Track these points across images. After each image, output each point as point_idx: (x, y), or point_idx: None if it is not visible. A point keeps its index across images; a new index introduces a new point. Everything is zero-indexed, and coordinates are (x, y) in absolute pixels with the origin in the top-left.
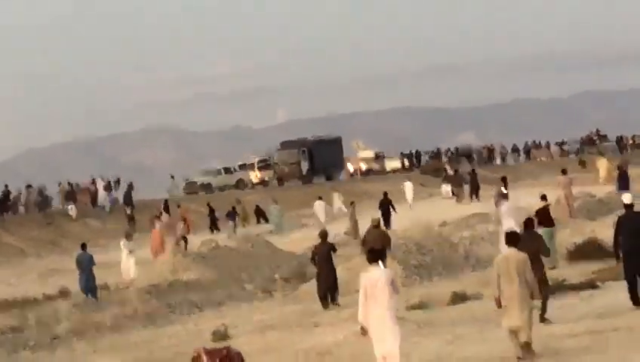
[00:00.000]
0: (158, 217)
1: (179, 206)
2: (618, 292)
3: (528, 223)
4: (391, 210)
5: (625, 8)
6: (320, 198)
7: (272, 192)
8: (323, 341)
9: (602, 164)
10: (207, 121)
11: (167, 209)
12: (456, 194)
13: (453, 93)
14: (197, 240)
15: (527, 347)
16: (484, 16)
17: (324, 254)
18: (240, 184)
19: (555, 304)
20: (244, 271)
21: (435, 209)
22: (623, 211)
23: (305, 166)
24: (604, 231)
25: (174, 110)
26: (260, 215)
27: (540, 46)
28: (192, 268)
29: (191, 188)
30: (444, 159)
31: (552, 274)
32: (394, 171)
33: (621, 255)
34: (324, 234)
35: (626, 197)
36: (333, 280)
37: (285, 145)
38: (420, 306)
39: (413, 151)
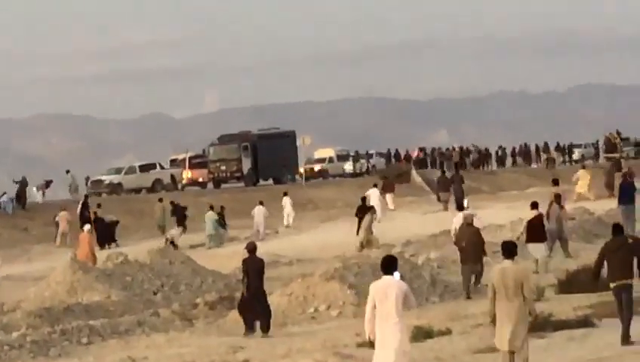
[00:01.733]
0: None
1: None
2: (617, 331)
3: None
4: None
5: None
6: (261, 203)
7: (205, 196)
8: None
9: (584, 177)
10: (118, 106)
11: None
12: (444, 201)
13: (422, 82)
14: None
15: None
16: None
17: (254, 271)
18: (157, 185)
19: (539, 344)
20: (159, 292)
21: (399, 223)
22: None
23: (247, 164)
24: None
25: (76, 92)
26: (180, 219)
27: (528, 27)
28: (95, 287)
29: (96, 187)
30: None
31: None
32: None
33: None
34: (252, 248)
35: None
36: (265, 304)
37: (223, 139)
38: (373, 342)
39: (374, 152)
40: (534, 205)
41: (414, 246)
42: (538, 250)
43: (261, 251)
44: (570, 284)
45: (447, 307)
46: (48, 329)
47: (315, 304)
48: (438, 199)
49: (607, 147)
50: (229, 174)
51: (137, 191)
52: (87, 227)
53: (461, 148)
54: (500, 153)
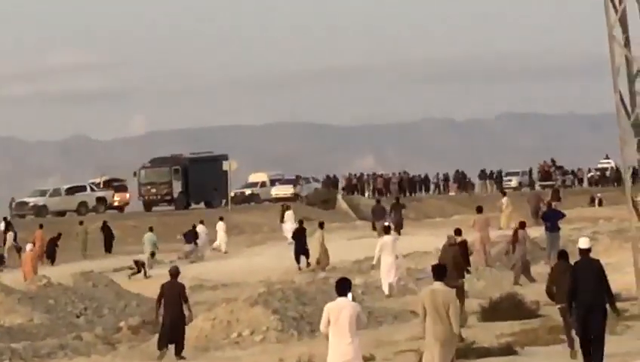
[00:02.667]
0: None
1: (41, 226)
2: (540, 360)
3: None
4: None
5: (574, 10)
6: (202, 222)
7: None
8: None
9: (507, 206)
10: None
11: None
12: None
13: (349, 107)
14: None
15: None
16: (396, 14)
17: (173, 296)
18: (82, 208)
19: None
20: (83, 316)
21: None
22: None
23: (178, 188)
24: (525, 285)
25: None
26: (107, 240)
27: (461, 52)
28: (17, 309)
29: (21, 209)
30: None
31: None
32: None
33: (574, 311)
34: (175, 272)
35: (583, 242)
36: (182, 329)
37: (155, 162)
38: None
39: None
40: (457, 231)
41: (340, 272)
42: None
43: (187, 275)
44: (493, 312)
45: (372, 333)
46: None
47: (238, 329)
48: (374, 228)
49: (542, 175)
50: (159, 197)
51: (62, 213)
52: (29, 246)
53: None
54: (437, 180)
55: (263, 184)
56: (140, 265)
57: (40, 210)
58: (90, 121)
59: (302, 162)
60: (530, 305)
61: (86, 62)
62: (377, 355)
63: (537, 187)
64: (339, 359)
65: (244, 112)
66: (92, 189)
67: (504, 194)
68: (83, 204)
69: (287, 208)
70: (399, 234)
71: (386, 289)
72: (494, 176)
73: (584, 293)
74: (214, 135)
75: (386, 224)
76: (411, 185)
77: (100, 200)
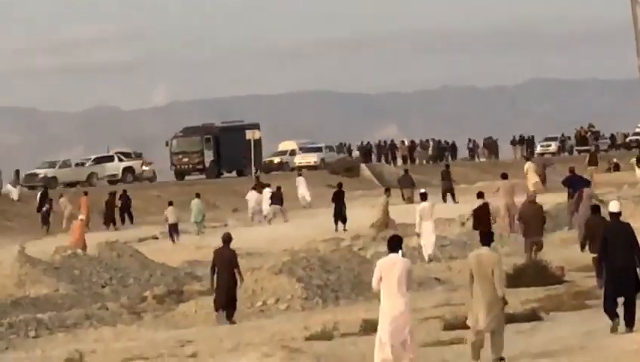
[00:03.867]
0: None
1: (85, 193)
2: (565, 325)
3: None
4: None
5: None
6: (267, 186)
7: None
8: None
9: (531, 170)
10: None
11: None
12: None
13: (371, 76)
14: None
15: (478, 345)
16: None
17: (225, 261)
18: (91, 179)
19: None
20: (108, 286)
21: (348, 217)
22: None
23: (209, 157)
24: (551, 251)
25: (23, 84)
26: (125, 210)
27: (478, 20)
28: (43, 280)
29: (30, 181)
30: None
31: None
32: (307, 168)
33: (605, 273)
34: (227, 238)
35: (613, 205)
36: (233, 294)
37: (186, 131)
38: (322, 336)
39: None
40: (480, 195)
41: (363, 240)
42: None
43: (210, 244)
44: (518, 278)
45: None
46: None
47: (263, 297)
48: (403, 197)
49: (579, 140)
50: (191, 166)
51: (72, 185)
52: (81, 215)
53: (412, 141)
54: (471, 146)
55: (292, 152)
56: (171, 230)
57: (49, 182)
58: (113, 91)
59: (324, 131)
60: (555, 271)
61: (108, 33)
62: None
63: (574, 152)
64: (391, 313)
65: (266, 82)
66: (120, 159)
67: (527, 159)
68: (93, 174)
69: (300, 174)
70: (454, 200)
71: (426, 255)
72: (525, 141)
73: (614, 256)
74: (237, 105)
75: (422, 191)
76: (439, 151)
77: (128, 169)
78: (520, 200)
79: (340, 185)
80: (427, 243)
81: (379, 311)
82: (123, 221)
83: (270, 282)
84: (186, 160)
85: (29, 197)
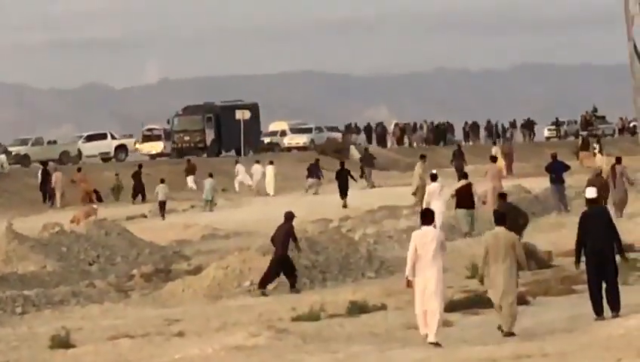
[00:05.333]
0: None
1: (79, 170)
2: (550, 309)
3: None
4: (349, 179)
5: None
6: (211, 175)
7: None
8: (186, 354)
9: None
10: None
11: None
12: (366, 178)
13: (362, 58)
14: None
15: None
16: None
17: (281, 235)
18: (63, 157)
19: (473, 321)
20: (95, 263)
21: (336, 198)
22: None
23: (210, 135)
24: (538, 236)
25: (12, 61)
26: (139, 190)
27: (471, 2)
28: (30, 257)
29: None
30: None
31: (470, 286)
32: (297, 149)
33: (583, 258)
34: (289, 216)
35: (590, 191)
36: (290, 264)
37: (188, 110)
38: (309, 316)
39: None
40: (464, 175)
41: (351, 222)
42: (465, 215)
43: (199, 223)
44: None
45: (383, 283)
46: None
47: (251, 277)
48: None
49: (584, 124)
50: (192, 144)
51: (44, 163)
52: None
53: (406, 124)
54: (467, 128)
55: (283, 133)
56: (161, 206)
57: (22, 159)
58: (104, 69)
59: (316, 111)
60: (543, 255)
61: (99, 10)
62: (389, 304)
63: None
64: (425, 282)
65: (258, 61)
66: (113, 137)
67: (494, 143)
68: (65, 153)
69: (271, 162)
70: (466, 178)
71: None
72: (524, 125)
73: (595, 242)
74: (229, 84)
75: (433, 172)
76: (438, 133)
77: (121, 147)
78: (509, 183)
79: (342, 163)
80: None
81: (414, 284)
82: (135, 197)
83: (258, 262)
84: (187, 138)
85: (15, 172)
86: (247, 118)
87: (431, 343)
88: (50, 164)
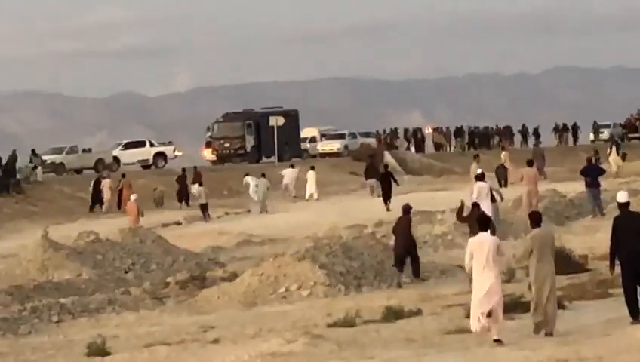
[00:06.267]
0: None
1: (124, 176)
2: (587, 313)
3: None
4: (392, 182)
5: None
6: (264, 175)
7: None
8: (222, 361)
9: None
10: (87, 84)
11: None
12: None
13: (395, 63)
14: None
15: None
16: None
17: (400, 227)
18: (99, 165)
19: (509, 325)
20: (131, 271)
21: (371, 204)
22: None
23: (250, 142)
24: (573, 239)
25: (48, 69)
26: (183, 194)
27: (507, 5)
28: (66, 265)
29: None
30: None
31: (506, 289)
32: (329, 155)
33: (618, 262)
34: (406, 208)
35: (621, 196)
36: (413, 253)
37: (228, 117)
38: (345, 322)
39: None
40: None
41: (386, 227)
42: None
43: (233, 230)
44: None
45: (418, 288)
46: (18, 307)
47: (286, 284)
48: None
49: (630, 127)
50: (232, 151)
51: (79, 171)
52: (134, 196)
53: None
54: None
55: (313, 139)
56: (203, 210)
57: (57, 168)
58: (137, 77)
59: (348, 118)
60: (579, 259)
61: (132, 19)
62: (425, 309)
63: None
64: (481, 285)
65: (288, 68)
66: (151, 145)
67: (503, 148)
68: (100, 161)
69: (312, 168)
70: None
71: None
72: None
73: (629, 246)
74: (260, 90)
75: (480, 171)
76: (471, 139)
77: (159, 155)
78: (545, 187)
79: (386, 166)
80: None
81: (472, 288)
82: (180, 201)
83: (293, 268)
84: (227, 145)
85: (50, 181)
86: (281, 125)
87: (495, 340)
88: (104, 172)
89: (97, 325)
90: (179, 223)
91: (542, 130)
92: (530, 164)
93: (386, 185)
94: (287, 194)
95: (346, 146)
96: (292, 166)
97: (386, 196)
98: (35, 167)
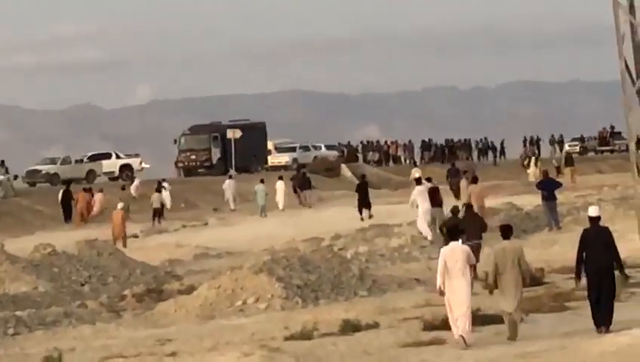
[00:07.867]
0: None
1: (101, 190)
2: (544, 326)
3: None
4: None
5: None
6: (262, 181)
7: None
8: None
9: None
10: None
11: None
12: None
13: (353, 77)
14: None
15: (514, 325)
16: None
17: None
18: (90, 176)
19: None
20: (87, 284)
21: (328, 217)
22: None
23: (216, 154)
24: (530, 253)
25: (6, 82)
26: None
27: (464, 20)
28: (22, 278)
29: (33, 177)
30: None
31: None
32: (279, 168)
33: (587, 278)
34: (455, 210)
35: (592, 210)
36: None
37: (194, 129)
38: (302, 335)
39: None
40: (428, 179)
41: (343, 240)
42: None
43: (191, 243)
44: None
45: (376, 301)
46: None
47: (243, 297)
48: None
49: (600, 141)
50: (198, 163)
51: (70, 181)
52: (120, 205)
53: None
54: (480, 145)
55: (269, 152)
56: (156, 213)
57: (52, 178)
58: (94, 90)
59: (305, 131)
60: (535, 272)
61: (89, 32)
62: (382, 322)
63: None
64: (453, 291)
65: (247, 81)
66: (117, 157)
67: (415, 164)
68: (91, 172)
69: (280, 178)
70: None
71: None
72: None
73: (594, 259)
74: (219, 104)
75: (417, 175)
76: (451, 151)
77: (125, 167)
78: (500, 201)
79: (363, 176)
80: None
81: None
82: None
83: (250, 281)
84: (193, 157)
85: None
86: (239, 137)
87: (461, 336)
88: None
89: (54, 338)
90: (136, 236)
91: (506, 144)
92: (474, 180)
93: (361, 194)
94: (229, 209)
95: (294, 159)
96: (262, 181)
97: (362, 205)
98: (15, 177)
